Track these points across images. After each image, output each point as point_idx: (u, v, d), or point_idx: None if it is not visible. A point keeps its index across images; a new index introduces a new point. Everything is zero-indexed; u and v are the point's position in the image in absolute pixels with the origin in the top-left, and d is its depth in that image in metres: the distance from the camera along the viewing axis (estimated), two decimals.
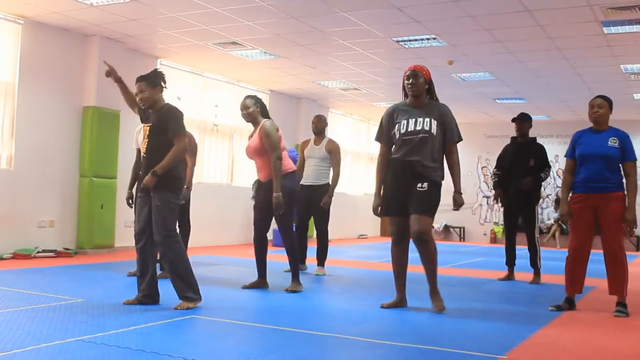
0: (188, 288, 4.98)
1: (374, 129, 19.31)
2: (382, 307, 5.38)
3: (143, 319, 4.49)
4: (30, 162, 8.92)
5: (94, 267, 7.70)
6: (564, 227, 15.76)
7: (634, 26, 8.10)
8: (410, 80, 5.18)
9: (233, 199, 12.44)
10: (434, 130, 5.11)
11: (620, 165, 5.46)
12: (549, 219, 15.99)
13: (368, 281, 7.50)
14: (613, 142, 5.43)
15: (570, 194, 5.65)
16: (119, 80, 5.49)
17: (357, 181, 17.15)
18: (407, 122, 5.15)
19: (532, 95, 13.13)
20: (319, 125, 7.91)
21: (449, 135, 5.20)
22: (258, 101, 6.19)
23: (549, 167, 7.58)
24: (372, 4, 7.75)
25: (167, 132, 5.00)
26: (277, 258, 9.71)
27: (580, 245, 5.55)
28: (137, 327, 4.19)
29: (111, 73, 5.44)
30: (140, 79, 5.19)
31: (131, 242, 9.97)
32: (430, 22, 8.38)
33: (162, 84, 5.21)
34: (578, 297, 5.90)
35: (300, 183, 7.57)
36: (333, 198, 7.80)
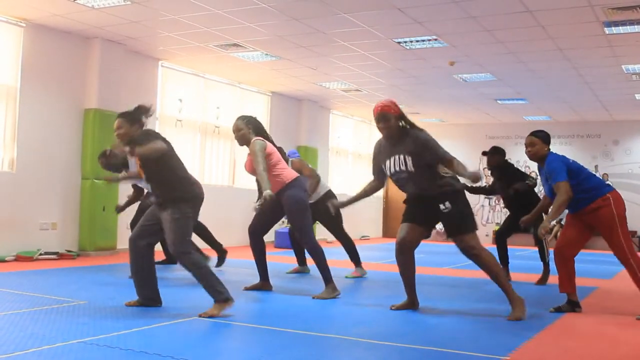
0: (215, 292, 4.85)
1: (376, 130, 19.33)
2: (391, 308, 5.36)
3: (145, 320, 4.49)
4: (32, 164, 8.93)
5: (96, 269, 7.70)
6: None
7: (636, 26, 8.10)
8: (380, 125, 5.10)
9: (234, 200, 12.45)
10: (410, 167, 4.98)
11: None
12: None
13: (370, 282, 7.49)
14: (548, 178, 5.44)
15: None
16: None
17: (359, 182, 17.14)
18: (389, 163, 5.12)
19: (534, 95, 13.12)
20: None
21: (434, 161, 5.01)
22: (250, 121, 5.97)
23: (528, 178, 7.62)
24: (373, 5, 7.76)
25: (153, 160, 4.92)
26: (279, 259, 9.72)
27: (562, 242, 5.54)
28: (139, 329, 4.19)
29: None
30: (120, 116, 5.18)
31: None
32: (432, 23, 8.38)
33: (143, 119, 5.10)
34: (582, 297, 5.89)
35: None
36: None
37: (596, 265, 10.30)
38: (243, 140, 5.96)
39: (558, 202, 5.27)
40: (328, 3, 7.69)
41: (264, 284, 6.36)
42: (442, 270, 9.03)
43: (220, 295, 4.78)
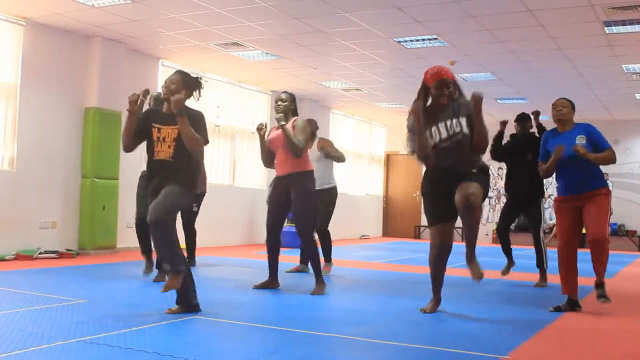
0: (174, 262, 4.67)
1: (376, 130, 19.20)
2: (422, 311, 5.21)
3: (145, 319, 4.49)
4: (32, 163, 8.93)
5: (96, 268, 7.71)
6: None
7: (636, 26, 8.09)
8: (439, 91, 4.89)
9: (235, 199, 12.45)
10: (464, 129, 4.83)
11: None
12: (551, 219, 15.96)
13: (370, 281, 7.50)
14: (580, 139, 5.43)
15: (555, 195, 5.74)
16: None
17: (359, 182, 17.15)
18: (437, 128, 4.90)
19: (534, 95, 13.12)
20: (311, 128, 7.84)
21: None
22: (294, 100, 6.38)
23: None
24: (373, 5, 7.76)
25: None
26: (283, 259, 9.74)
27: (568, 245, 5.50)
28: (139, 328, 4.19)
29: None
30: (180, 73, 4.99)
31: (133, 243, 10.00)
32: (432, 23, 8.38)
33: (195, 92, 4.99)
34: (581, 297, 5.89)
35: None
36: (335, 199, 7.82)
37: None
38: (285, 114, 6.21)
39: (607, 155, 5.36)
40: (328, 2, 7.69)
41: (272, 282, 6.38)
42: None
43: (176, 266, 4.62)
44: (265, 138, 6.36)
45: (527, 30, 8.48)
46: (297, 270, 7.97)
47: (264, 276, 6.42)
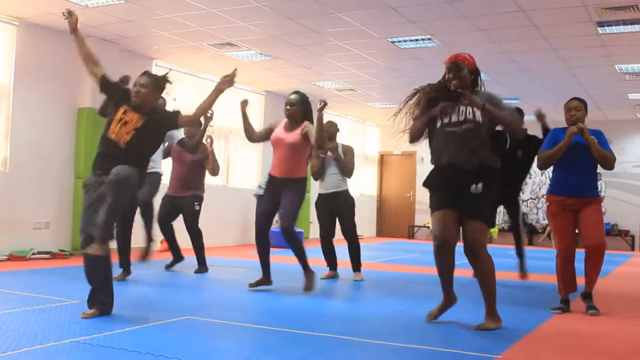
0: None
1: (370, 130, 19.18)
2: (428, 316, 4.91)
3: (138, 320, 4.49)
4: (26, 163, 8.90)
5: None
6: None
7: (629, 26, 8.12)
8: (450, 74, 4.66)
9: (229, 200, 12.44)
10: (478, 117, 4.56)
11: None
12: (544, 219, 16.01)
13: (365, 281, 7.49)
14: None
15: (547, 195, 5.73)
16: (74, 29, 5.07)
17: (353, 182, 17.12)
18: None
19: (527, 95, 13.15)
20: (330, 130, 7.66)
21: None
22: (304, 101, 6.47)
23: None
24: (367, 5, 7.76)
25: (161, 134, 4.89)
26: (270, 259, 9.73)
27: (569, 246, 5.49)
28: (132, 328, 4.19)
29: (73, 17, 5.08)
30: (148, 75, 4.90)
31: None
32: (425, 23, 8.39)
33: (164, 91, 5.03)
34: (572, 297, 5.92)
35: (320, 192, 7.52)
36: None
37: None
38: (295, 116, 6.36)
39: (607, 152, 5.37)
40: (322, 2, 7.69)
41: (265, 280, 6.38)
42: (435, 270, 9.02)
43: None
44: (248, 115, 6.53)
45: (521, 31, 8.50)
46: (330, 276, 7.58)
47: (258, 276, 6.42)
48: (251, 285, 6.29)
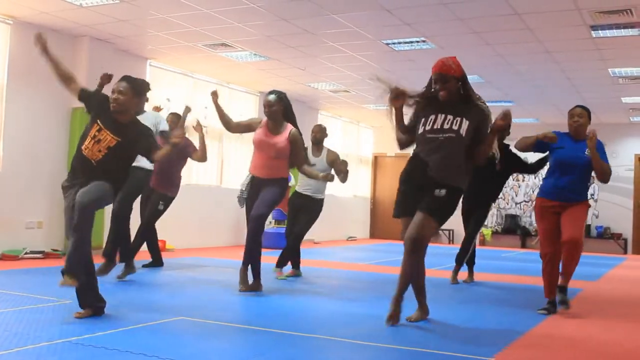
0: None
1: (364, 131, 19.18)
2: (408, 319, 4.88)
3: (131, 320, 4.48)
4: (19, 163, 8.88)
5: None
6: None
7: (622, 30, 8.15)
8: (437, 85, 4.66)
9: (222, 200, 12.42)
10: (462, 130, 4.59)
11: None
12: None
13: (357, 283, 7.50)
14: (588, 153, 5.48)
15: (536, 196, 5.79)
16: (45, 51, 5.07)
17: (346, 183, 17.13)
18: (435, 118, 4.69)
19: (521, 98, 13.18)
20: (319, 136, 7.81)
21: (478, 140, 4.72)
22: (283, 99, 6.24)
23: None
24: (362, 6, 7.77)
25: (134, 152, 4.76)
26: (263, 260, 9.72)
27: (553, 250, 5.54)
28: (125, 329, 4.18)
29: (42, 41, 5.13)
30: (127, 80, 4.87)
31: None
32: (420, 25, 8.40)
33: (144, 96, 5.02)
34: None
35: (297, 190, 7.55)
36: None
37: (581, 267, 10.35)
38: (276, 116, 6.23)
39: (607, 165, 5.45)
40: (317, 3, 7.70)
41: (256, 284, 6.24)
42: (428, 271, 9.03)
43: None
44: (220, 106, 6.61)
45: (515, 34, 8.52)
46: (293, 275, 7.63)
47: (250, 277, 6.40)
48: (242, 290, 6.12)
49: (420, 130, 4.68)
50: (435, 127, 4.61)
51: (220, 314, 4.91)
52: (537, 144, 5.65)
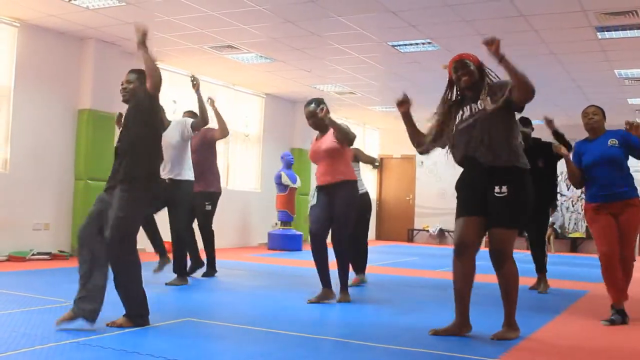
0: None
1: (370, 133, 19.16)
2: (430, 333, 4.47)
3: None
4: (26, 165, 8.92)
5: None
6: (559, 231, 15.82)
7: (628, 31, 8.15)
8: (459, 72, 4.59)
9: (228, 202, 12.42)
10: (488, 105, 4.42)
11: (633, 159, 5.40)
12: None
13: (364, 284, 7.50)
14: (612, 142, 5.35)
15: (584, 204, 5.58)
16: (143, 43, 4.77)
17: None
18: (461, 112, 4.57)
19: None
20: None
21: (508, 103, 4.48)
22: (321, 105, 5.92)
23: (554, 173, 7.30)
24: (367, 9, 7.78)
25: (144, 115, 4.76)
26: (272, 261, 9.77)
27: (610, 248, 5.21)
28: (132, 330, 4.20)
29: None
30: (132, 71, 4.95)
31: None
32: (425, 27, 8.41)
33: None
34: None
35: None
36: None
37: (588, 269, 10.35)
38: (320, 122, 5.92)
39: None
40: (322, 6, 7.71)
41: (327, 292, 5.84)
42: (434, 273, 9.06)
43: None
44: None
45: (520, 35, 8.52)
46: (356, 283, 7.23)
47: (257, 279, 6.42)
48: (311, 301, 5.77)
49: (453, 131, 4.49)
50: (463, 118, 4.47)
51: (227, 316, 4.93)
52: (575, 162, 5.51)
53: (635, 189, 5.39)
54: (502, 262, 4.32)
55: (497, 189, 4.25)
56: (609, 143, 5.37)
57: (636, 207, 5.31)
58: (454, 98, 4.66)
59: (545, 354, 4.08)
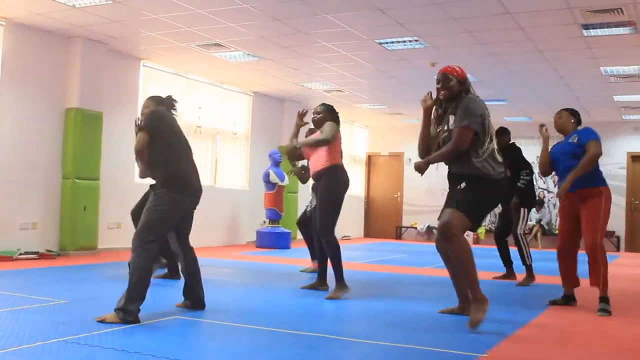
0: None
1: (357, 131, 19.15)
2: (439, 312, 5.25)
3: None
4: (13, 164, 8.87)
5: (76, 269, 7.68)
6: (546, 228, 15.92)
7: (613, 29, 8.20)
8: (439, 85, 4.90)
9: (216, 200, 12.43)
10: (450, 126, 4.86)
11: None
12: (530, 220, 16.11)
13: (352, 281, 7.49)
14: (572, 139, 5.80)
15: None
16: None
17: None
18: (442, 126, 5.03)
19: (514, 96, 13.23)
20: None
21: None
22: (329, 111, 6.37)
23: (526, 168, 7.65)
24: (355, 6, 7.79)
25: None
26: (260, 259, 9.77)
27: (562, 244, 5.86)
28: (120, 328, 4.19)
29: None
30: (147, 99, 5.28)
31: (114, 243, 9.98)
32: (413, 25, 8.43)
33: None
34: (557, 296, 6.01)
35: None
36: None
37: (579, 265, 10.38)
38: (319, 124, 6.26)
39: (587, 157, 5.58)
40: (310, 4, 7.72)
41: (321, 283, 6.44)
42: (422, 270, 9.09)
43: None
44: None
45: (507, 33, 8.56)
46: (313, 270, 7.56)
47: (246, 277, 6.43)
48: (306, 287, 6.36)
49: (440, 138, 4.97)
50: (444, 129, 4.92)
51: (216, 313, 4.93)
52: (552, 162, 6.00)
53: (599, 179, 5.78)
54: (449, 238, 4.69)
55: (460, 185, 4.83)
56: (570, 140, 5.82)
57: (597, 197, 5.64)
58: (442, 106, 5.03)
59: (532, 349, 4.10)
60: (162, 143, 4.78)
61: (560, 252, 5.88)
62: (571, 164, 5.66)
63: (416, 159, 5.17)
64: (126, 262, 6.85)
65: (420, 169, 4.86)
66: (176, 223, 4.86)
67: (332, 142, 6.04)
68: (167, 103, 5.15)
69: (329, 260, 6.13)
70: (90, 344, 3.70)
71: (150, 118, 4.84)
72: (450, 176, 4.99)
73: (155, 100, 5.16)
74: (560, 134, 6.03)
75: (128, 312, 4.37)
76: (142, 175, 4.89)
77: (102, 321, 4.35)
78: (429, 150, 5.05)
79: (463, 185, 4.79)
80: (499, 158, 4.84)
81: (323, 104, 6.44)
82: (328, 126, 6.08)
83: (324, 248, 6.08)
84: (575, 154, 5.68)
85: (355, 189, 18.18)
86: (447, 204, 4.87)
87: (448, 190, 5.04)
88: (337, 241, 6.00)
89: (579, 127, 5.98)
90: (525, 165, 7.66)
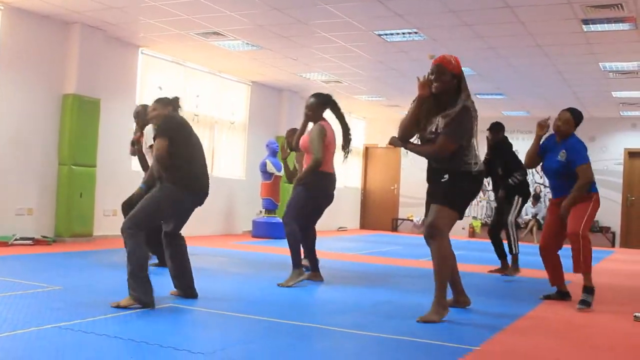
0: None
1: (355, 122, 19.09)
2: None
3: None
4: (9, 149, 8.84)
5: (72, 256, 7.68)
6: (541, 222, 15.94)
7: (613, 24, 8.19)
8: (432, 76, 4.74)
9: (213, 189, 12.31)
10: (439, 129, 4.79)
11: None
12: (526, 214, 16.14)
13: (348, 272, 7.54)
14: (561, 156, 5.72)
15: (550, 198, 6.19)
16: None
17: (339, 173, 17.15)
18: (432, 125, 4.88)
19: (512, 91, 13.22)
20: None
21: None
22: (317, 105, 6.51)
23: (520, 169, 7.69)
24: None
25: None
26: (256, 249, 9.78)
27: (544, 239, 5.95)
28: (114, 315, 4.20)
29: None
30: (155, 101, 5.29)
31: (110, 231, 9.95)
32: (412, 16, 8.41)
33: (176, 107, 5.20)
34: (551, 290, 6.04)
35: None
36: None
37: (570, 260, 10.41)
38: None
39: (580, 184, 5.58)
40: None
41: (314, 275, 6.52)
42: (417, 262, 9.10)
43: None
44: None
45: (507, 27, 8.54)
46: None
47: (241, 266, 6.44)
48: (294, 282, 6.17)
49: (429, 131, 4.86)
50: (430, 130, 4.82)
51: (210, 302, 4.93)
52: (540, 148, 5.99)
53: (592, 186, 5.73)
54: (434, 235, 4.72)
55: (442, 179, 4.82)
56: (559, 156, 5.73)
57: (586, 201, 5.66)
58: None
59: (525, 342, 4.12)
60: (181, 148, 4.89)
61: (542, 249, 5.94)
62: (561, 182, 5.78)
63: (414, 155, 5.21)
64: (122, 249, 6.88)
65: (393, 145, 4.97)
66: (170, 218, 5.10)
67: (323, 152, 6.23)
68: (174, 104, 5.17)
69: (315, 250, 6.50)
70: (84, 331, 3.70)
71: (169, 124, 4.90)
72: (431, 169, 4.98)
73: (163, 102, 5.18)
74: (554, 131, 5.96)
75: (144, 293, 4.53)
76: (157, 175, 4.98)
77: (117, 307, 4.44)
78: (409, 135, 4.98)
79: (446, 177, 4.78)
80: (479, 154, 4.86)
81: (313, 96, 6.49)
82: (315, 141, 6.26)
83: (290, 236, 6.16)
84: (564, 174, 5.74)
85: (352, 181, 18.20)
86: (433, 198, 4.86)
87: (428, 184, 5.04)
88: (297, 231, 6.15)
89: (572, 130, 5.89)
90: (518, 166, 7.68)
